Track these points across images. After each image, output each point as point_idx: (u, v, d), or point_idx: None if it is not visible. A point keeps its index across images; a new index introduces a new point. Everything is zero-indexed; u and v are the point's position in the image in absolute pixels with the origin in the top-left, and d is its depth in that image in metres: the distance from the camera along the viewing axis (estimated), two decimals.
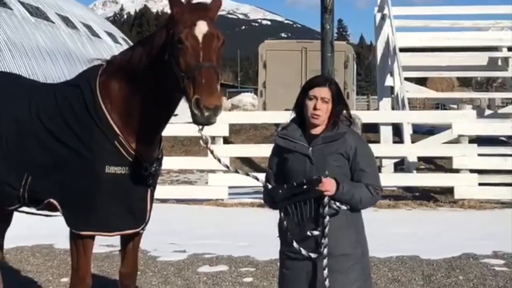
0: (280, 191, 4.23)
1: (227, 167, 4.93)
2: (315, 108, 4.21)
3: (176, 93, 4.36)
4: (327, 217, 4.11)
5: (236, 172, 4.93)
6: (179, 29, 4.20)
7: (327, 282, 4.11)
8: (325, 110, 4.23)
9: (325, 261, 4.12)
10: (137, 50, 4.66)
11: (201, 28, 4.22)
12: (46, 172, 4.65)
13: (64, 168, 4.59)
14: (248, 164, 17.37)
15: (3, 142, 4.79)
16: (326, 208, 4.11)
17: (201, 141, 4.43)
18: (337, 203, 4.15)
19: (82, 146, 4.55)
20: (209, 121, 4.07)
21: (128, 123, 4.59)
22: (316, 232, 4.13)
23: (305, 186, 4.11)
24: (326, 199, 4.10)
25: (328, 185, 4.07)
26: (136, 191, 4.67)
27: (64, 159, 4.58)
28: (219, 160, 4.76)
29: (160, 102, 4.55)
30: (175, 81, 4.21)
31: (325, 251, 4.12)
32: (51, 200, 4.68)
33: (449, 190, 13.17)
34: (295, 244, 4.19)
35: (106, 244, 8.08)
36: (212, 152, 4.58)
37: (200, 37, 4.19)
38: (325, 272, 4.11)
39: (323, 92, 4.23)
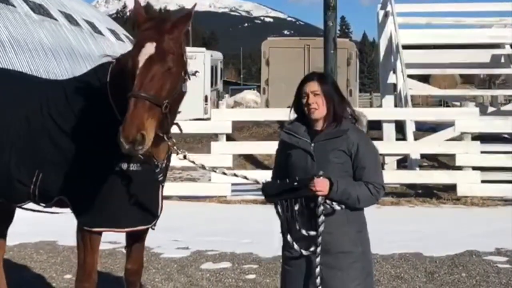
0: (272, 186, 4.25)
1: (214, 171, 5.02)
2: (308, 103, 4.24)
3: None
4: (321, 217, 4.10)
5: (224, 174, 5.07)
6: (131, 50, 4.16)
7: (318, 280, 4.12)
8: (319, 102, 4.23)
9: (318, 259, 4.12)
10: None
11: (147, 51, 4.12)
12: (58, 169, 4.65)
13: (75, 165, 4.59)
14: (251, 161, 17.37)
15: (14, 139, 4.79)
16: (320, 208, 4.10)
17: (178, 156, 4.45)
18: (332, 203, 4.14)
19: (93, 143, 4.55)
20: (131, 153, 4.05)
21: None
22: (312, 232, 4.13)
23: (295, 183, 4.11)
24: (320, 199, 4.09)
25: (320, 185, 4.06)
26: (148, 187, 4.68)
27: (75, 156, 4.58)
28: (203, 167, 4.86)
29: None
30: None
31: (318, 249, 4.12)
32: (62, 197, 4.69)
33: (452, 187, 13.17)
34: (289, 238, 4.21)
35: (109, 241, 8.09)
36: (193, 162, 4.60)
37: (141, 62, 4.11)
38: (317, 270, 4.12)
39: (311, 86, 4.26)
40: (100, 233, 4.71)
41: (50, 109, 4.76)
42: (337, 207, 4.15)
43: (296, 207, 4.15)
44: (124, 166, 4.55)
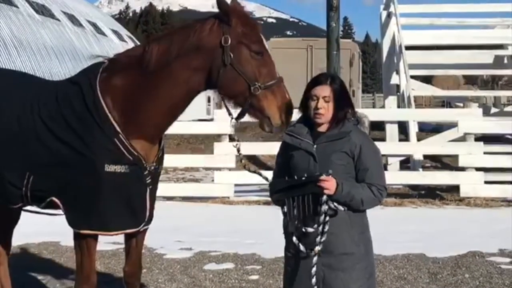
0: (280, 182, 4.25)
1: (254, 172, 4.92)
2: (316, 108, 4.22)
3: (193, 93, 4.61)
4: (323, 215, 4.09)
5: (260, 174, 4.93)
6: (250, 41, 4.47)
7: (314, 280, 4.12)
8: (328, 108, 4.23)
9: (315, 258, 4.12)
10: (152, 48, 4.61)
11: (266, 45, 4.58)
12: (48, 171, 4.63)
13: (65, 166, 4.56)
14: (253, 162, 17.38)
15: (5, 140, 4.77)
16: (324, 206, 4.09)
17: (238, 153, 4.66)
18: (335, 204, 4.13)
19: (81, 144, 4.53)
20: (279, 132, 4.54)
21: (132, 121, 4.56)
22: (310, 229, 4.13)
23: (303, 178, 4.12)
24: (324, 197, 4.08)
25: (328, 183, 4.06)
26: (135, 190, 4.64)
27: (64, 157, 4.56)
28: (250, 170, 4.80)
29: (175, 101, 4.57)
30: (238, 85, 4.43)
31: (317, 248, 4.11)
32: (53, 198, 4.69)
33: (455, 188, 13.18)
34: (294, 240, 4.21)
35: (112, 241, 8.08)
36: (247, 167, 4.77)
37: (269, 52, 4.55)
38: (314, 269, 4.13)
39: (324, 91, 4.23)
40: (95, 236, 4.69)
41: (41, 110, 4.73)
42: (341, 208, 4.15)
43: (301, 205, 4.15)
44: (112, 168, 4.53)
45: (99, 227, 4.62)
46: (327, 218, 4.10)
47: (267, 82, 4.40)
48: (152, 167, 4.73)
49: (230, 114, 4.60)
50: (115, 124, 4.55)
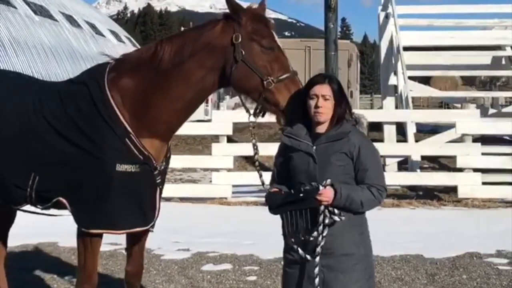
0: (277, 197, 4.22)
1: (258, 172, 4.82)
2: (316, 106, 4.22)
3: (207, 92, 4.72)
4: (322, 226, 4.09)
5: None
6: (261, 36, 4.54)
7: (317, 280, 4.12)
8: (328, 107, 4.22)
9: (317, 260, 4.13)
10: (165, 47, 4.62)
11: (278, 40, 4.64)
12: (54, 171, 4.61)
13: (71, 166, 4.55)
14: (251, 163, 17.36)
15: (8, 141, 4.76)
16: (322, 217, 4.10)
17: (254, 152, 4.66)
18: (333, 216, 4.11)
19: (90, 144, 4.51)
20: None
21: (142, 121, 4.57)
22: (311, 238, 4.14)
23: (301, 195, 4.10)
24: (322, 208, 4.08)
25: (325, 196, 4.06)
26: (145, 189, 4.65)
27: (72, 157, 4.55)
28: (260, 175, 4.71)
29: (187, 100, 4.60)
30: (251, 81, 4.48)
31: (317, 251, 4.12)
32: (60, 198, 4.67)
33: (453, 189, 13.18)
34: (294, 245, 4.21)
35: (110, 242, 8.09)
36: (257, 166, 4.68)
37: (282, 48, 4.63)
38: (316, 271, 4.13)
39: (323, 89, 4.23)
40: (100, 236, 4.69)
41: (43, 109, 4.71)
42: (337, 219, 4.13)
43: (300, 218, 4.15)
44: (123, 167, 4.53)
45: (108, 227, 4.62)
46: (326, 228, 4.11)
47: (280, 76, 4.44)
48: (162, 166, 4.76)
49: (247, 111, 4.65)
50: (126, 124, 4.56)
